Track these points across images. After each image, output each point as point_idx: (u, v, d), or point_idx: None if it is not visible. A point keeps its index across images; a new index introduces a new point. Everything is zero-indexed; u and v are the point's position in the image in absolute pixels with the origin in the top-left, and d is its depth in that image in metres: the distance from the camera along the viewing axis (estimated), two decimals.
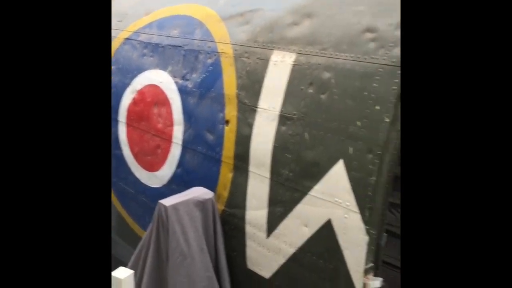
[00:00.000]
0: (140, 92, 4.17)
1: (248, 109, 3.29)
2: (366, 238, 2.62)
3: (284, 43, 3.19)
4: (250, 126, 3.26)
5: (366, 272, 2.67)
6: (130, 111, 4.28)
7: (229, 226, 3.43)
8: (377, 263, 2.71)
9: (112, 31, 4.47)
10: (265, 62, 3.24)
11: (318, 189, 2.85)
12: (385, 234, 2.74)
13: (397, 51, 2.65)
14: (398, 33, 2.68)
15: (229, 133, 3.40)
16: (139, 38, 4.31)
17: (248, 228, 3.27)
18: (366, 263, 2.66)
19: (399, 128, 2.63)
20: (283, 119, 3.06)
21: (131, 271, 2.92)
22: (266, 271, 3.20)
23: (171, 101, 3.87)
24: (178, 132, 3.78)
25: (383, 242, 2.73)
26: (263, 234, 3.17)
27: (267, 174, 3.14)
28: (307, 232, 2.90)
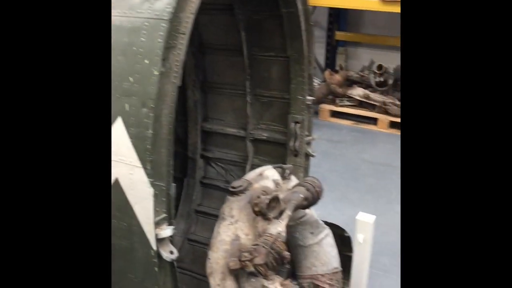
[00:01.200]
0: None
1: None
2: (151, 191, 2.68)
3: None
4: None
5: (159, 223, 2.73)
6: None
7: None
8: (169, 213, 2.79)
9: None
10: None
11: None
12: (173, 184, 2.83)
13: (160, 4, 2.68)
14: None
15: None
16: None
17: None
18: (157, 215, 2.72)
19: (174, 80, 2.70)
20: None
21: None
22: None
23: None
24: None
25: (173, 192, 2.82)
26: None
27: None
28: None
